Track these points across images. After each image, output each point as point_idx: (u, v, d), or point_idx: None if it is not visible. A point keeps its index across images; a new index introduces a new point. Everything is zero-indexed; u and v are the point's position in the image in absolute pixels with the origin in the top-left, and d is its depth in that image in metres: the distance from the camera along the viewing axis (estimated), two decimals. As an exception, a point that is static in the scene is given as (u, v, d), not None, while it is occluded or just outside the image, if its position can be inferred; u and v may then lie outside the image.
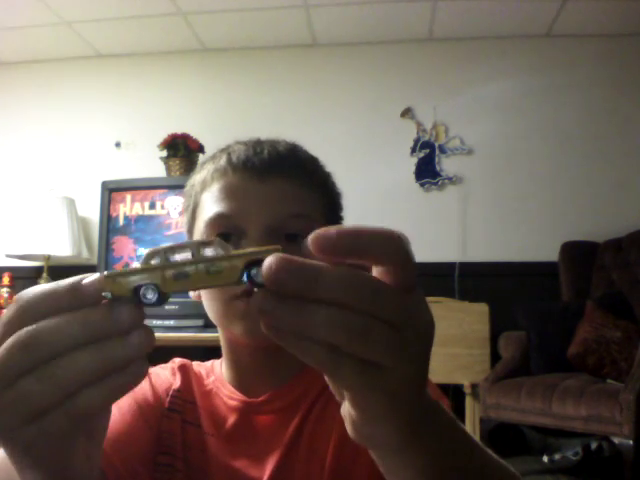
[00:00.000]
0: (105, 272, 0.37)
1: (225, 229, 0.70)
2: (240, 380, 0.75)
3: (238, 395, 0.74)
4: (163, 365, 0.81)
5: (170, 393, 0.76)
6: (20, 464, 0.39)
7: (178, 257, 0.37)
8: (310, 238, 0.35)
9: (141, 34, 3.56)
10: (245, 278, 0.36)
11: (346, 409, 0.38)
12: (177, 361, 0.81)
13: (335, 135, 3.49)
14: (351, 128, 3.56)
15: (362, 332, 0.33)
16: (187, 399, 0.76)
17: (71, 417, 0.36)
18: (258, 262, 0.35)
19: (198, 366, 0.80)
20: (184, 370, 0.79)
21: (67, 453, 0.39)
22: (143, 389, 0.75)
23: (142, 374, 0.37)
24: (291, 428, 0.71)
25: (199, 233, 0.72)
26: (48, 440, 0.36)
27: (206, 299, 0.73)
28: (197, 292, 0.74)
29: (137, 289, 0.36)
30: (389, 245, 0.36)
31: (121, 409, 0.71)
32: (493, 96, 3.51)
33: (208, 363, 0.81)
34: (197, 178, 0.76)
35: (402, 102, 3.55)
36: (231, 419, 0.74)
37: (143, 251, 3.10)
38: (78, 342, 0.35)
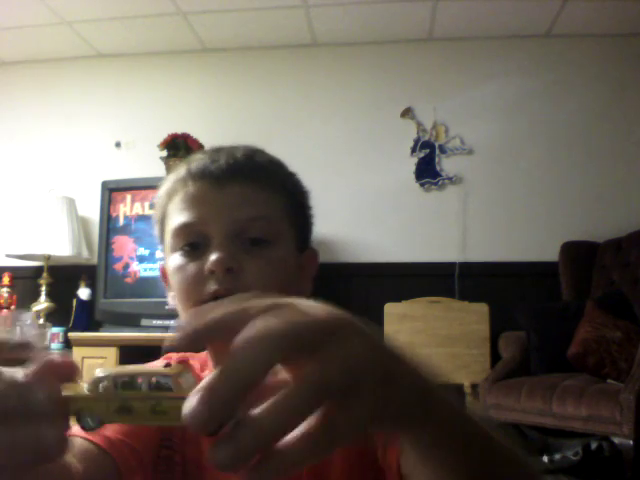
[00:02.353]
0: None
1: (191, 238, 0.72)
2: None
3: None
4: (160, 361, 0.81)
5: None
6: None
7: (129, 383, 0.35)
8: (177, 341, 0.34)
9: (141, 34, 3.56)
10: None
11: None
12: (175, 357, 0.80)
13: (335, 135, 3.49)
14: (351, 128, 3.56)
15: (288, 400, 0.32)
16: None
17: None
18: None
19: (192, 359, 0.81)
20: (203, 369, 0.80)
21: None
22: None
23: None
24: None
25: (168, 244, 0.75)
26: None
27: (178, 302, 0.75)
28: (173, 299, 0.77)
29: (79, 414, 0.36)
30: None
31: None
32: (493, 96, 3.51)
33: (203, 354, 0.82)
34: (163, 190, 0.78)
35: (402, 102, 3.55)
36: None
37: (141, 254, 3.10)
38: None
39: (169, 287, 0.78)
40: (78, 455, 0.62)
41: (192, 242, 0.72)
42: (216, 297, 0.68)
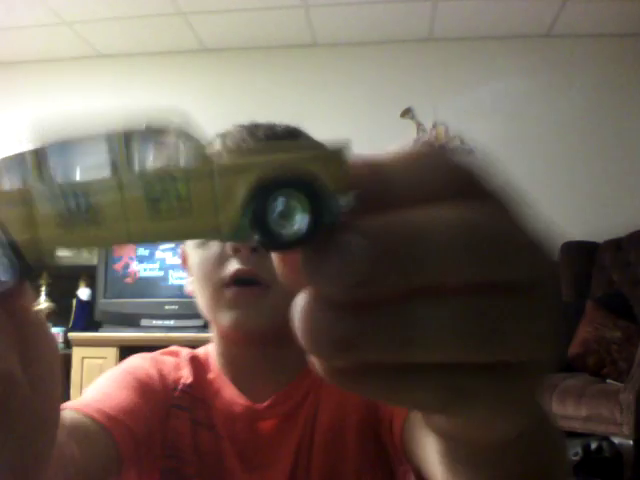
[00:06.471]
0: None
1: None
2: (239, 381, 0.72)
3: (241, 399, 0.70)
4: (161, 354, 0.75)
5: (180, 387, 0.70)
6: None
7: (78, 169, 0.20)
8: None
9: (141, 34, 3.56)
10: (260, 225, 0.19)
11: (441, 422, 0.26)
12: (184, 352, 0.75)
13: (335, 135, 3.48)
14: (351, 128, 3.55)
15: (493, 326, 0.21)
16: (198, 396, 0.71)
17: None
18: (281, 184, 0.19)
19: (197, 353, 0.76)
20: (196, 363, 0.73)
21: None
22: (146, 370, 0.70)
23: None
24: (296, 434, 0.69)
25: None
26: None
27: (197, 289, 0.70)
28: (191, 285, 0.71)
29: None
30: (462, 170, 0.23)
31: (118, 383, 0.66)
32: (493, 96, 3.51)
33: (201, 352, 0.75)
34: None
35: (402, 102, 3.55)
36: (238, 424, 0.70)
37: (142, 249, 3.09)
38: None
39: (189, 272, 0.73)
40: (72, 432, 0.51)
41: None
42: (238, 278, 0.64)
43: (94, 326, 3.15)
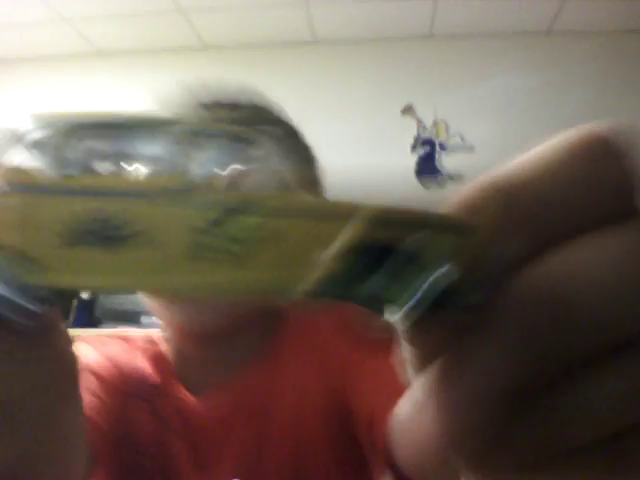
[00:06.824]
0: None
1: None
2: (189, 376, 0.66)
3: (187, 396, 0.65)
4: (110, 337, 0.71)
5: (139, 378, 0.66)
6: None
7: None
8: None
9: (140, 31, 3.55)
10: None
11: None
12: (138, 338, 0.70)
13: (335, 132, 3.49)
14: (351, 125, 3.55)
15: None
16: (159, 388, 0.66)
17: None
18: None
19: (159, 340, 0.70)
20: (155, 352, 0.68)
21: None
22: (96, 361, 0.65)
23: None
24: (249, 429, 0.63)
25: None
26: None
27: None
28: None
29: None
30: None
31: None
32: (494, 93, 3.50)
33: (159, 339, 0.69)
34: None
35: (402, 99, 3.54)
36: (188, 420, 0.64)
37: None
38: None
39: None
40: None
41: None
42: None
43: (95, 323, 3.15)
